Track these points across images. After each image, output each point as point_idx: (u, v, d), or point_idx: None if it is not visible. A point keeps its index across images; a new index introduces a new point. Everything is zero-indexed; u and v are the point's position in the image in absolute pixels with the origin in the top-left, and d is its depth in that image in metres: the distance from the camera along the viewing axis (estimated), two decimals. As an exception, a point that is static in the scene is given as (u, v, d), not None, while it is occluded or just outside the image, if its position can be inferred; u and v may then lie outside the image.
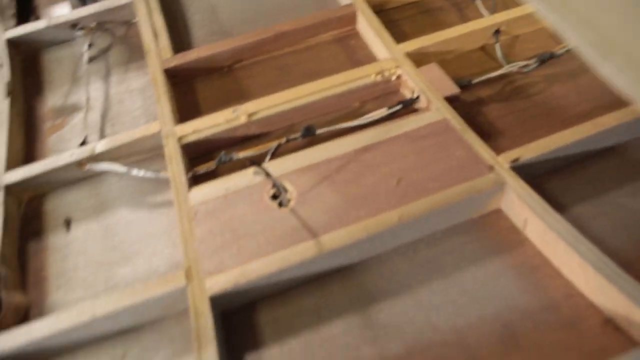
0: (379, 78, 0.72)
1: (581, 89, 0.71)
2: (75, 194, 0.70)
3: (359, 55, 0.81)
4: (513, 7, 0.79)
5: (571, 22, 0.23)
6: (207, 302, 0.50)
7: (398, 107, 0.69)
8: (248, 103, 0.70)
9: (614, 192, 0.58)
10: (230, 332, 0.52)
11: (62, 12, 0.88)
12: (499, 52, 0.76)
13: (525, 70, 0.74)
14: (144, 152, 0.71)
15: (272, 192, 0.59)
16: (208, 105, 0.76)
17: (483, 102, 0.71)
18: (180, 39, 0.87)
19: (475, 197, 0.55)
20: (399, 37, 0.78)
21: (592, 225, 0.55)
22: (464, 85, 0.72)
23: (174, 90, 0.79)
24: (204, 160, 0.68)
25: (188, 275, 0.53)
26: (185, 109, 0.76)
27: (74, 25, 0.87)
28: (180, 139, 0.68)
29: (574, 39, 0.23)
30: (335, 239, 0.53)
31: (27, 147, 0.76)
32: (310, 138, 0.68)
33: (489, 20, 0.77)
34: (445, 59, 0.78)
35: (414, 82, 0.70)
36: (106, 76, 0.83)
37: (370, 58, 0.79)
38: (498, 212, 0.58)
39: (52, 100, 0.82)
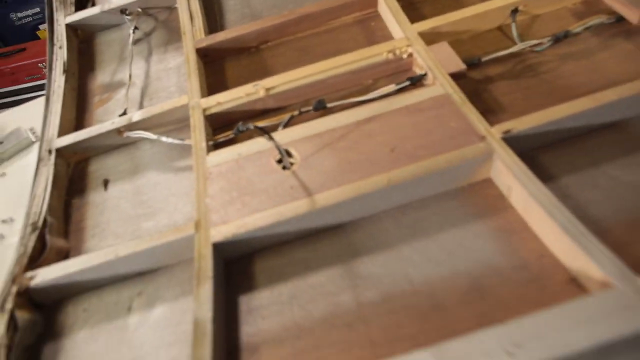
0: (390, 56, 0.75)
1: (594, 67, 0.71)
2: (114, 158, 0.80)
3: (377, 36, 0.84)
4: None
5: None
6: (209, 247, 0.57)
7: (406, 84, 0.73)
8: (267, 79, 0.76)
9: (607, 164, 0.59)
10: (230, 277, 0.59)
11: None
12: (514, 32, 0.77)
13: (538, 49, 0.75)
14: (175, 123, 0.80)
15: (278, 157, 0.65)
16: (235, 82, 0.83)
17: (491, 80, 0.73)
18: (214, 22, 0.95)
19: (463, 164, 0.58)
20: (418, 18, 0.80)
21: (580, 195, 0.56)
22: (474, 64, 0.74)
23: (205, 68, 0.87)
24: (226, 129, 0.75)
25: (197, 226, 0.60)
26: (215, 85, 0.83)
27: (123, 10, 0.97)
28: (204, 110, 0.75)
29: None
30: (327, 197, 0.58)
31: (78, 118, 0.87)
32: (322, 111, 0.73)
33: (504, 0, 0.78)
34: (460, 39, 0.80)
35: (422, 60, 0.73)
36: (148, 56, 0.93)
37: (387, 38, 0.83)
38: (488, 181, 0.60)
39: (101, 77, 0.92)
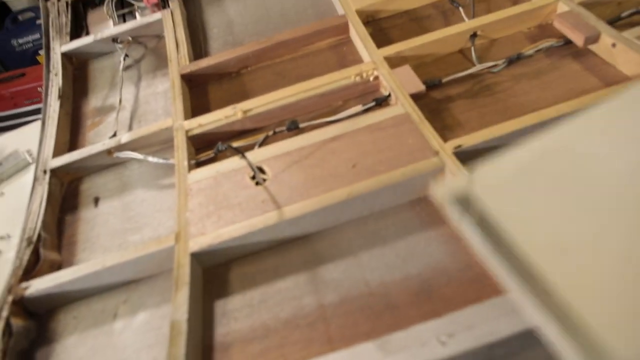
0: (358, 79, 0.82)
1: (544, 86, 0.77)
2: (105, 177, 0.86)
3: (348, 60, 0.91)
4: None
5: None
6: (188, 257, 0.63)
7: (372, 104, 0.79)
8: (244, 102, 0.82)
9: (549, 176, 0.64)
10: (207, 283, 0.64)
11: (106, 29, 1.05)
12: (473, 54, 0.84)
13: (494, 70, 0.81)
14: (160, 143, 0.86)
15: (252, 174, 0.71)
16: (217, 105, 0.89)
17: (451, 99, 0.79)
18: (199, 49, 1.01)
19: (418, 177, 0.64)
20: (386, 43, 0.87)
21: (523, 204, 0.62)
22: (435, 85, 0.81)
23: (190, 92, 0.93)
24: (208, 149, 0.81)
25: (177, 238, 0.66)
26: (199, 108, 0.90)
27: (114, 39, 1.04)
28: (187, 132, 0.81)
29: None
30: (294, 210, 0.64)
31: (71, 140, 0.93)
32: (296, 131, 0.79)
33: (463, 26, 0.85)
34: (424, 62, 0.87)
35: (387, 82, 0.79)
36: (137, 81, 0.99)
37: (358, 62, 0.89)
38: (442, 193, 0.66)
39: (94, 101, 0.99)
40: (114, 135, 0.89)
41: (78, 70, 1.06)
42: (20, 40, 2.18)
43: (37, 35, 2.21)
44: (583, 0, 0.84)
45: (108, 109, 0.96)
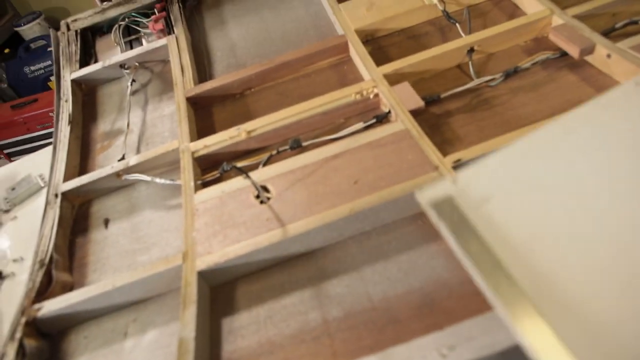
0: (358, 97, 0.84)
1: (541, 98, 0.79)
2: (114, 199, 0.88)
3: (349, 79, 0.93)
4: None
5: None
6: (195, 275, 0.64)
7: (372, 121, 0.81)
8: (248, 122, 0.84)
9: (548, 187, 0.65)
10: (214, 301, 0.65)
11: (114, 56, 1.09)
12: (471, 69, 0.85)
13: (492, 84, 0.83)
14: (167, 165, 0.88)
15: (256, 193, 0.73)
16: (222, 126, 0.91)
17: (450, 114, 0.81)
18: (204, 72, 1.04)
19: (418, 192, 0.65)
20: (386, 61, 0.89)
21: (522, 216, 0.63)
22: (433, 100, 0.82)
23: (195, 114, 0.95)
24: (213, 170, 0.83)
25: (185, 257, 0.67)
26: (204, 130, 0.92)
27: (122, 65, 1.07)
28: (193, 153, 0.83)
29: None
30: (297, 227, 0.65)
31: (81, 164, 0.96)
32: (299, 149, 0.81)
33: (460, 42, 0.87)
34: (423, 78, 0.88)
35: (386, 99, 0.81)
36: (144, 105, 1.02)
37: (358, 80, 0.91)
38: (443, 206, 0.67)
39: (102, 126, 1.02)
40: (122, 158, 0.91)
41: (87, 96, 1.09)
42: (33, 68, 2.24)
43: (48, 62, 2.27)
44: (577, 13, 0.85)
45: (116, 133, 0.99)
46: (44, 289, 0.72)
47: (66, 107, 1.02)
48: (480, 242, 0.38)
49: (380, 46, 0.98)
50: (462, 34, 0.92)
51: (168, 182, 0.82)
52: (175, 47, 1.04)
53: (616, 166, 0.41)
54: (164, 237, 0.78)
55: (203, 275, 0.65)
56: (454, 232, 0.38)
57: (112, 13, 1.16)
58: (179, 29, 1.08)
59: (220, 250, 0.66)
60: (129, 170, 0.86)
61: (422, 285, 0.58)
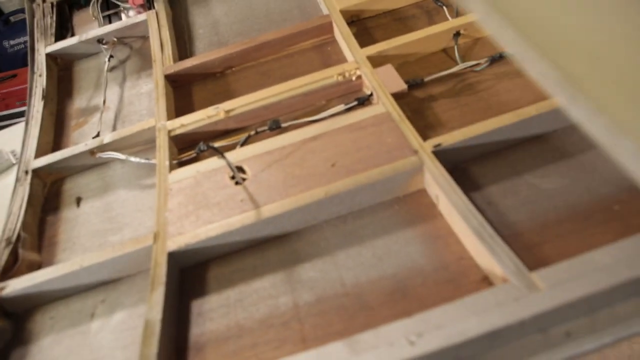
0: (340, 78, 0.82)
1: (526, 84, 0.77)
2: (87, 177, 0.85)
3: (332, 60, 0.91)
4: (476, 13, 0.86)
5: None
6: (165, 256, 0.62)
7: (354, 104, 0.79)
8: (227, 102, 0.82)
9: (528, 174, 0.64)
10: (184, 283, 0.64)
11: (92, 30, 1.05)
12: (457, 53, 0.84)
13: (477, 69, 0.81)
14: (143, 144, 0.85)
15: (232, 173, 0.71)
16: (201, 105, 0.89)
17: (433, 98, 0.79)
18: (184, 49, 1.01)
19: (396, 176, 0.64)
20: (371, 42, 0.87)
21: (501, 202, 0.62)
22: (417, 84, 0.80)
23: (174, 93, 0.93)
24: (190, 149, 0.81)
25: (155, 237, 0.65)
26: (183, 109, 0.89)
27: (99, 40, 1.03)
28: (170, 132, 0.81)
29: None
30: (272, 209, 0.63)
31: (55, 140, 0.93)
32: (278, 130, 0.79)
33: (446, 25, 0.85)
34: (407, 61, 0.86)
35: (369, 81, 0.79)
36: (122, 82, 0.99)
37: (342, 62, 0.89)
38: (422, 192, 0.66)
39: (78, 102, 0.99)
40: (97, 135, 0.88)
41: (63, 71, 1.06)
42: (12, 42, 2.18)
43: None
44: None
45: (92, 110, 0.96)
46: (10, 268, 0.70)
47: (40, 82, 0.98)
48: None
49: (366, 27, 0.95)
50: (449, 17, 0.90)
51: (143, 161, 0.80)
52: (155, 23, 1.01)
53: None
54: (137, 217, 0.76)
55: (174, 257, 0.63)
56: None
57: (90, -15, 1.12)
58: (160, 4, 1.05)
59: (192, 231, 0.64)
60: (104, 148, 0.84)
61: (396, 271, 0.57)
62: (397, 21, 0.96)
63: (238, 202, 0.66)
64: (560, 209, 0.59)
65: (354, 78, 0.82)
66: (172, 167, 0.76)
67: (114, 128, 0.92)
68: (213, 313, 0.59)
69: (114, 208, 0.79)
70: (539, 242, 0.56)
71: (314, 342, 0.52)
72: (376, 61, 0.83)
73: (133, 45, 1.05)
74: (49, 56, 1.03)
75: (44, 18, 1.08)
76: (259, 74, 0.92)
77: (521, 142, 0.69)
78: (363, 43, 0.86)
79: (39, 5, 1.10)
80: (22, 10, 2.27)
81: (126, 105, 0.95)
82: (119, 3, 1.10)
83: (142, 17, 1.03)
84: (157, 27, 1.00)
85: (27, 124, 0.91)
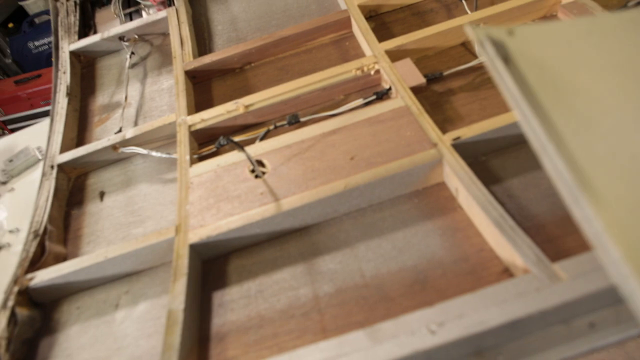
0: (358, 73, 0.82)
1: (547, 77, 0.76)
2: (110, 172, 0.87)
3: (350, 55, 0.91)
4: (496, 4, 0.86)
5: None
6: (187, 248, 0.63)
7: (372, 98, 0.79)
8: (246, 97, 0.83)
9: (549, 167, 0.63)
10: (206, 275, 0.65)
11: (113, 28, 1.07)
12: (476, 47, 0.83)
13: (496, 62, 0.80)
14: (165, 139, 0.87)
15: (251, 167, 0.71)
16: (221, 100, 0.90)
17: (452, 92, 0.79)
18: (204, 46, 1.02)
19: (415, 169, 0.64)
20: (389, 37, 0.87)
21: (522, 195, 0.61)
22: (436, 78, 0.80)
23: (194, 88, 0.94)
24: (211, 144, 0.82)
25: (177, 230, 0.67)
26: (203, 104, 0.91)
27: (121, 37, 1.05)
28: (190, 127, 0.82)
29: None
30: (291, 202, 0.64)
31: (79, 136, 0.95)
32: (297, 125, 0.80)
33: (465, 18, 0.84)
34: (426, 55, 0.86)
35: (387, 75, 0.79)
36: (143, 78, 1.01)
37: (360, 56, 0.89)
38: (441, 185, 0.66)
39: (101, 98, 1.00)
40: (120, 131, 0.90)
41: (86, 68, 1.08)
42: (37, 43, 2.23)
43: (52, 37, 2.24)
44: (588, -9, 0.82)
45: (115, 106, 0.98)
46: (37, 259, 0.72)
47: (64, 79, 1.01)
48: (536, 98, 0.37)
49: (384, 22, 0.95)
50: (468, 11, 0.90)
51: (164, 155, 0.81)
52: (175, 20, 1.02)
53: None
54: (158, 210, 0.77)
55: (195, 249, 0.64)
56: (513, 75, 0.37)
57: (112, -16, 1.14)
58: (180, 1, 1.06)
59: (213, 224, 0.65)
60: (126, 143, 0.85)
61: (415, 263, 0.57)
62: (416, 15, 0.95)
63: (258, 195, 0.67)
64: (583, 201, 0.58)
65: (372, 72, 0.82)
66: (192, 162, 0.77)
67: (136, 124, 0.93)
68: (234, 304, 0.60)
69: (136, 202, 0.80)
70: (561, 235, 0.55)
71: (334, 332, 0.53)
72: (395, 55, 0.83)
73: (154, 42, 1.07)
74: (73, 54, 1.05)
75: (68, 16, 1.10)
76: (277, 69, 0.93)
77: (542, 134, 0.68)
78: (381, 38, 0.86)
79: (62, 3, 1.12)
80: (46, 12, 2.32)
81: (147, 101, 0.97)
82: (140, 0, 1.12)
83: (163, 14, 1.04)
84: (177, 23, 1.02)
85: (52, 120, 0.93)
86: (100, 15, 1.16)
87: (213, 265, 0.66)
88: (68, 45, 1.05)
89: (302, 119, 0.79)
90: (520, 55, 0.41)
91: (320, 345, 0.47)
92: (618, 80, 0.41)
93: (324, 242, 0.63)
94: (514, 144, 0.68)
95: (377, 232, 0.62)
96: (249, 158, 0.69)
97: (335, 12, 0.93)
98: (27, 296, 0.67)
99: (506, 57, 0.40)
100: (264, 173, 0.70)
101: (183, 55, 0.95)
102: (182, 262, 0.62)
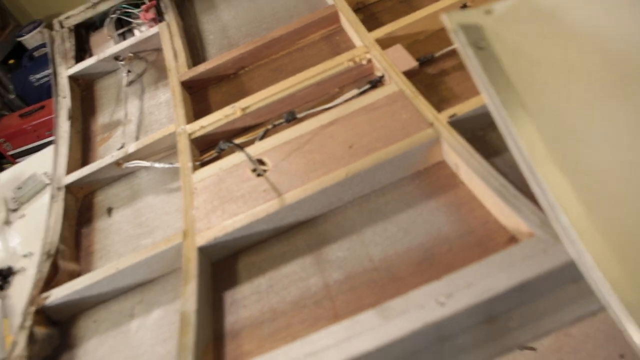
0: (351, 64, 0.82)
1: (539, 48, 0.76)
2: (116, 188, 0.88)
3: (342, 48, 0.91)
4: (481, -16, 0.86)
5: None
6: (195, 251, 0.64)
7: (367, 87, 0.79)
8: (241, 100, 0.84)
9: (548, 134, 0.63)
10: (216, 276, 0.65)
11: (108, 49, 1.09)
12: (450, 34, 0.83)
13: (487, 39, 0.80)
14: (166, 150, 0.88)
15: (253, 167, 0.72)
16: (218, 107, 0.90)
17: (445, 73, 0.79)
18: (198, 56, 1.04)
19: (414, 150, 0.64)
20: (379, 26, 0.87)
21: (523, 165, 0.61)
22: (428, 60, 0.80)
23: (191, 98, 0.95)
24: (211, 149, 0.83)
25: (185, 235, 0.67)
26: (201, 112, 0.91)
27: (116, 57, 1.07)
28: (190, 135, 0.83)
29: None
30: (294, 195, 0.64)
31: (83, 157, 0.96)
32: (294, 121, 0.80)
33: (450, 0, 0.84)
34: (417, 40, 0.86)
35: (379, 63, 0.79)
36: (141, 95, 1.02)
37: (350, 49, 0.89)
38: (441, 163, 0.65)
39: (102, 118, 1.02)
40: (122, 147, 0.91)
41: (85, 91, 1.10)
42: (38, 76, 2.27)
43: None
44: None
45: (116, 124, 0.99)
46: (52, 279, 0.73)
47: (65, 103, 1.02)
48: (507, 80, 0.38)
49: (372, 13, 0.96)
50: (454, -8, 0.90)
51: (167, 165, 0.82)
52: (167, 34, 1.04)
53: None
54: (165, 219, 0.78)
55: (203, 251, 0.65)
56: (481, 61, 0.38)
57: (103, 7, 1.16)
58: (170, 16, 1.08)
59: (220, 225, 0.66)
60: (129, 158, 0.86)
61: (422, 241, 0.57)
62: (403, 3, 0.96)
63: (261, 193, 0.67)
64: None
65: (364, 62, 0.82)
66: (195, 168, 0.78)
67: (137, 139, 0.94)
68: (246, 300, 0.60)
69: (144, 214, 0.81)
70: (565, 198, 0.55)
71: (346, 317, 0.52)
72: (385, 43, 0.83)
73: (148, 59, 1.08)
74: (71, 78, 1.07)
75: (63, 43, 1.13)
76: (271, 70, 0.94)
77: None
78: (371, 28, 0.86)
79: (57, 31, 1.14)
80: (44, 45, 2.36)
81: (147, 115, 0.98)
82: (131, 20, 1.13)
83: (155, 29, 1.06)
84: (169, 37, 1.03)
85: (56, 144, 0.95)
86: (95, 38, 1.18)
87: (223, 266, 0.66)
88: (66, 70, 1.07)
89: (299, 115, 0.79)
90: (495, 35, 0.41)
91: (332, 328, 0.47)
92: (588, 49, 0.41)
93: (330, 232, 0.63)
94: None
95: (382, 216, 0.62)
96: (249, 157, 0.69)
97: (323, 8, 0.94)
98: (43, 315, 0.68)
99: (480, 41, 0.40)
100: (265, 171, 0.71)
101: (177, 67, 0.97)
102: (192, 265, 0.62)
